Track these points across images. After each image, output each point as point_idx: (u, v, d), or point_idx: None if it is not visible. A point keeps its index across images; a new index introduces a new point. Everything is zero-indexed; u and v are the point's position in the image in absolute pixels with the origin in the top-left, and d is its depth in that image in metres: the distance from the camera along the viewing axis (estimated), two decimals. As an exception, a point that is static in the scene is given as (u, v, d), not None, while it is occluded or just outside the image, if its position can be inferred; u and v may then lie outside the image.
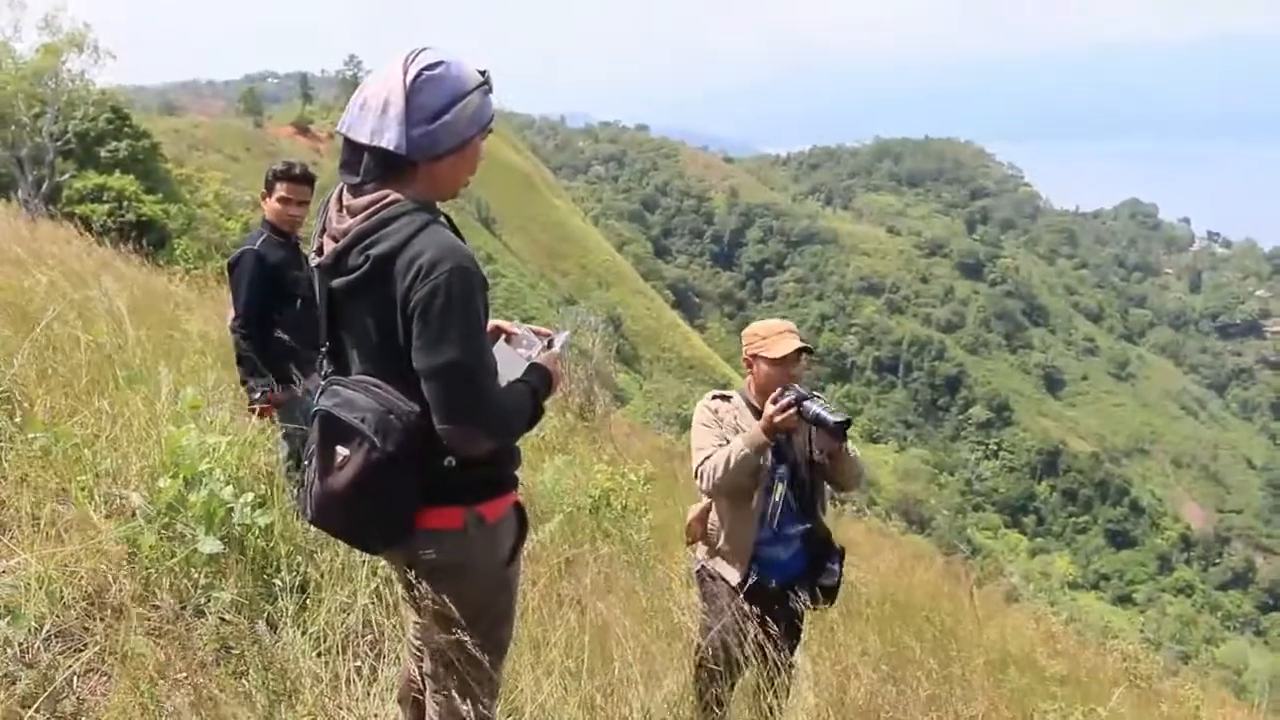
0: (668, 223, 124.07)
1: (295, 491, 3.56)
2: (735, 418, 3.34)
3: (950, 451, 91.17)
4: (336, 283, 1.97)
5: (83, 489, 3.19)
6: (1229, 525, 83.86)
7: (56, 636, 2.62)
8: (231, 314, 4.30)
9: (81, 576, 2.84)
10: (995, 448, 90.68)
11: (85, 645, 2.61)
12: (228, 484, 3.13)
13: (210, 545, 2.94)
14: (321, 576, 3.15)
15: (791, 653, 3.31)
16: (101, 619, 2.71)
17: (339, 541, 2.74)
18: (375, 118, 1.90)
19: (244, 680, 2.63)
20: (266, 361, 4.15)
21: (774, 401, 3.10)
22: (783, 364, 3.22)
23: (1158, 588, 72.86)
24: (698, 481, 3.28)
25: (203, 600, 2.94)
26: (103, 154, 25.33)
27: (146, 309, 6.94)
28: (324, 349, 2.13)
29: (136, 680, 2.46)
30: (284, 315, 4.19)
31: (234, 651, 2.78)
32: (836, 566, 3.34)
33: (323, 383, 2.09)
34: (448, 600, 2.04)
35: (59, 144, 22.32)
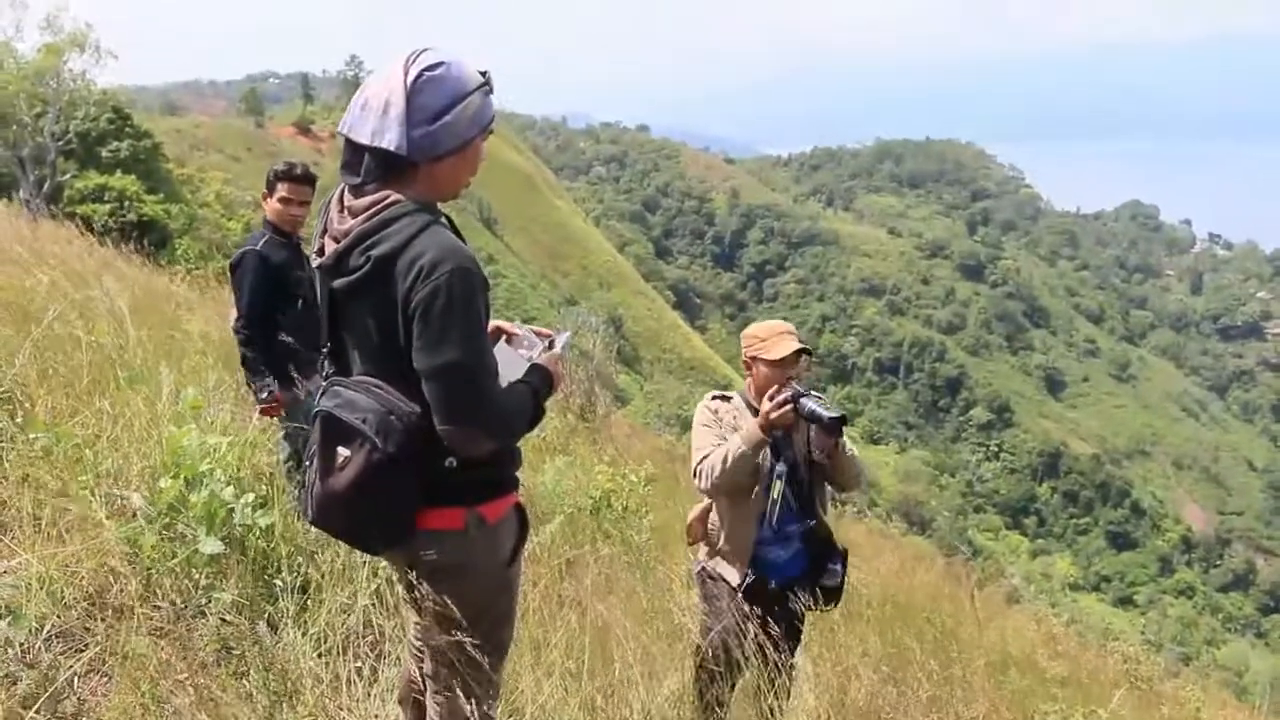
0: (669, 224, 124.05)
1: (296, 492, 3.57)
2: (735, 418, 3.34)
3: (951, 453, 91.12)
4: (338, 283, 1.97)
5: (84, 489, 3.19)
6: (1230, 527, 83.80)
7: (58, 637, 2.62)
8: (234, 314, 4.30)
9: (83, 577, 2.84)
10: (996, 449, 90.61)
11: (86, 645, 2.61)
12: (229, 484, 3.13)
13: (211, 546, 2.94)
14: (322, 577, 3.15)
15: (792, 654, 3.31)
16: (102, 619, 2.71)
17: (340, 542, 2.74)
18: (376, 118, 1.90)
19: (245, 681, 2.63)
20: (270, 362, 4.16)
21: (770, 398, 3.11)
22: (781, 365, 3.22)
23: (1159, 589, 72.80)
24: (696, 480, 3.29)
25: (204, 601, 2.94)
26: (104, 154, 25.33)
27: (148, 309, 6.95)
28: (325, 349, 2.13)
29: (137, 681, 2.46)
30: (286, 316, 4.19)
31: (235, 652, 2.78)
32: (838, 567, 3.34)
33: (324, 383, 2.09)
34: (449, 601, 2.04)
35: (60, 144, 22.33)
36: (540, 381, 2.15)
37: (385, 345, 1.95)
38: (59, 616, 2.66)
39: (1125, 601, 70.75)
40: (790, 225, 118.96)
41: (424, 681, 2.26)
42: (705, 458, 3.25)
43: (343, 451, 1.95)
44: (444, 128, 1.92)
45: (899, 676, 3.73)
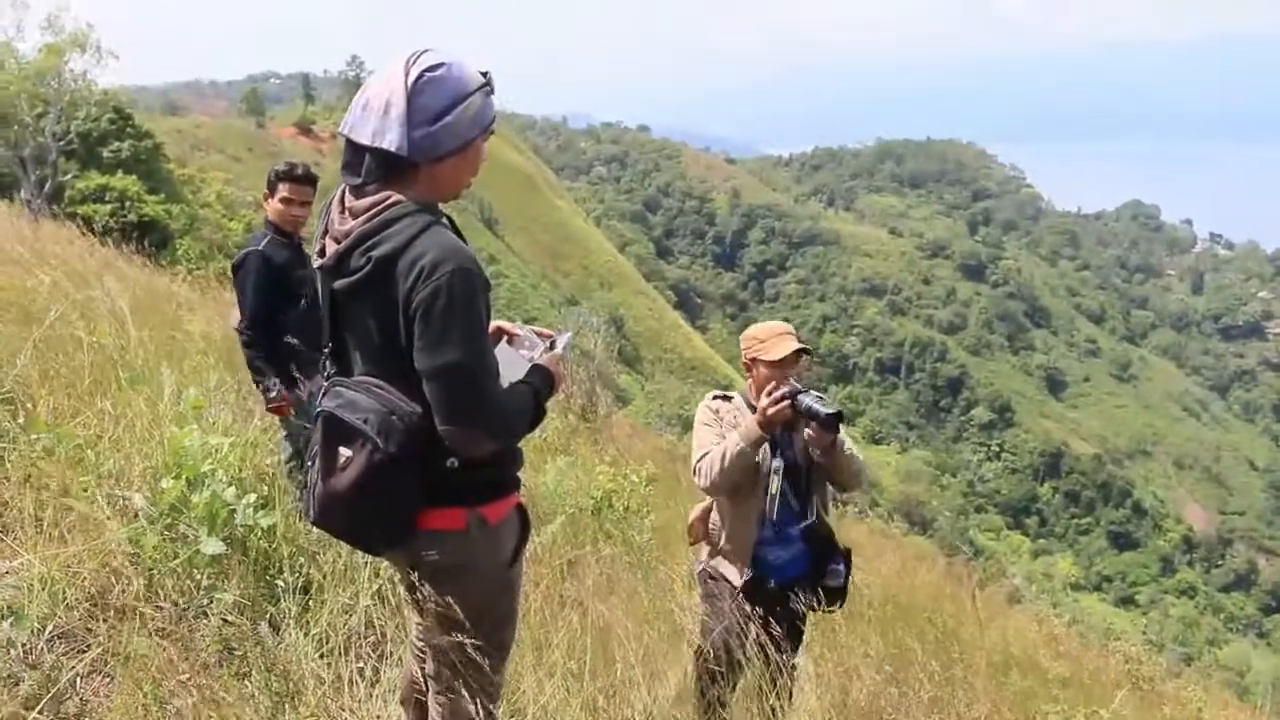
0: (670, 224, 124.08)
1: (298, 493, 3.57)
2: (735, 417, 3.35)
3: (952, 453, 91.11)
4: (339, 284, 1.97)
5: (85, 490, 3.20)
6: (1231, 527, 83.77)
7: (59, 638, 2.62)
8: (236, 315, 4.30)
9: (85, 577, 2.84)
10: (997, 449, 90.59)
11: (88, 646, 2.62)
12: (230, 485, 3.13)
13: (213, 546, 2.94)
14: (324, 578, 3.15)
15: (794, 654, 3.31)
16: (104, 620, 2.71)
17: (341, 543, 2.74)
18: (377, 119, 1.90)
19: (247, 682, 2.63)
20: (275, 361, 4.16)
21: (768, 394, 3.11)
22: (781, 366, 3.22)
23: (1160, 589, 72.77)
24: (696, 478, 3.30)
25: (205, 601, 2.94)
26: (105, 154, 25.36)
27: (149, 309, 6.95)
28: (326, 350, 2.13)
29: (140, 681, 2.46)
30: (290, 316, 4.19)
31: (237, 653, 2.78)
32: (841, 567, 3.34)
33: (325, 384, 2.09)
34: (451, 602, 2.04)
35: (61, 144, 22.34)
36: (541, 382, 2.15)
37: (386, 346, 1.95)
38: (61, 617, 2.66)
39: (1127, 601, 70.73)
40: (791, 225, 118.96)
41: (426, 682, 2.26)
42: (704, 455, 3.26)
43: (344, 452, 1.95)
44: (445, 128, 1.92)
45: (900, 677, 3.72)
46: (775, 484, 3.18)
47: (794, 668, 3.30)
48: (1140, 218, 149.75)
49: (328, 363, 2.13)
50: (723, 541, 3.36)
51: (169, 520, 3.04)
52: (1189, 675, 14.05)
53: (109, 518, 3.06)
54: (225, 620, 2.85)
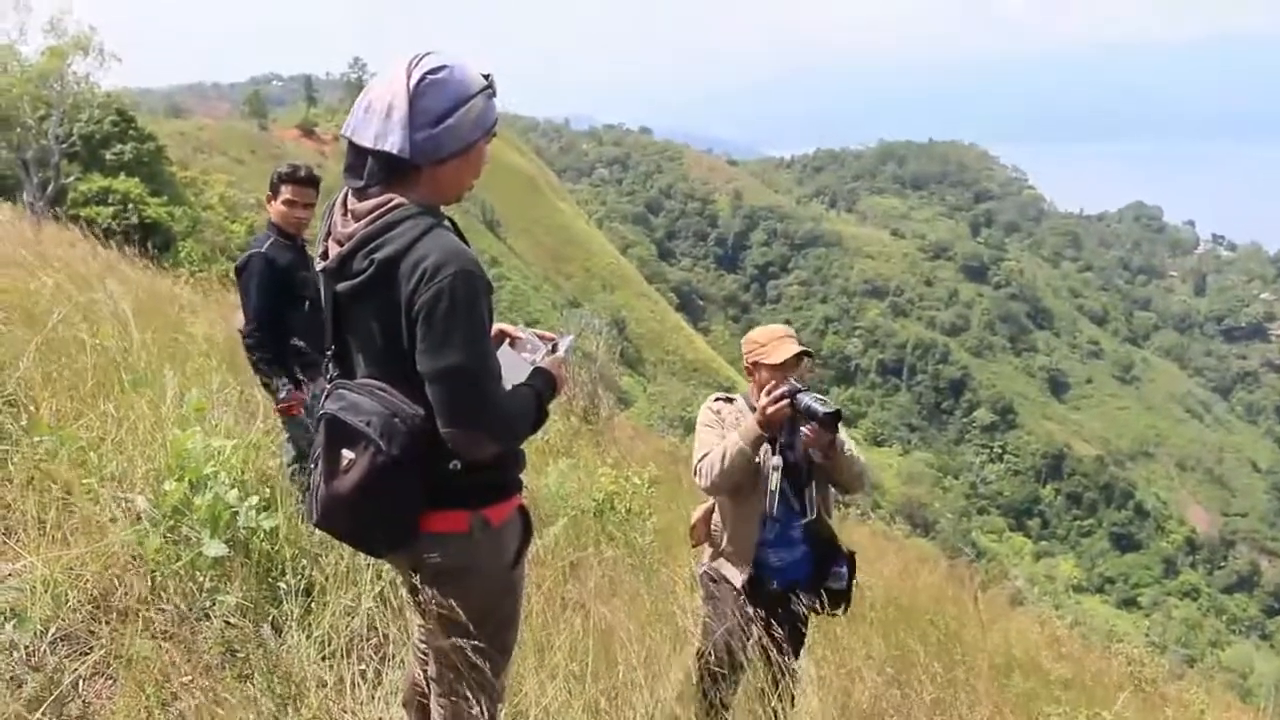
0: (672, 225, 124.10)
1: (300, 495, 3.57)
2: (737, 419, 3.35)
3: (954, 455, 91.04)
4: (341, 286, 1.97)
5: (88, 492, 3.20)
6: (1234, 528, 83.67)
7: (62, 640, 2.62)
8: (240, 317, 4.30)
9: (87, 580, 2.84)
10: (1000, 451, 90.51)
11: (91, 649, 2.62)
12: (233, 487, 3.13)
13: (215, 548, 2.94)
14: (326, 580, 3.15)
15: (796, 656, 3.31)
16: (107, 622, 2.71)
17: (344, 545, 2.74)
18: (379, 122, 1.91)
19: (249, 684, 2.63)
20: (281, 362, 4.16)
21: (767, 393, 3.11)
22: (782, 369, 3.22)
23: (1163, 591, 72.68)
24: (697, 478, 3.30)
25: (208, 604, 2.94)
26: (108, 156, 25.39)
27: (151, 312, 6.94)
28: (329, 352, 2.13)
29: (142, 683, 2.46)
30: (294, 318, 4.19)
31: (239, 655, 2.79)
32: (843, 570, 3.34)
33: (328, 386, 2.09)
34: (453, 604, 2.05)
35: (64, 146, 22.34)
36: (543, 385, 2.15)
37: (389, 348, 1.95)
38: (64, 619, 2.66)
39: (1129, 603, 70.63)
40: (793, 227, 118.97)
41: (428, 684, 2.26)
42: (705, 456, 3.27)
43: (347, 454, 1.95)
44: (447, 131, 1.92)
45: (903, 679, 3.72)
46: (775, 480, 3.18)
47: (796, 670, 3.30)
48: (1142, 219, 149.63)
49: (330, 365, 2.14)
50: (725, 543, 3.36)
51: (171, 522, 3.05)
52: (1191, 677, 14.02)
53: (112, 520, 3.07)
54: (228, 622, 2.86)
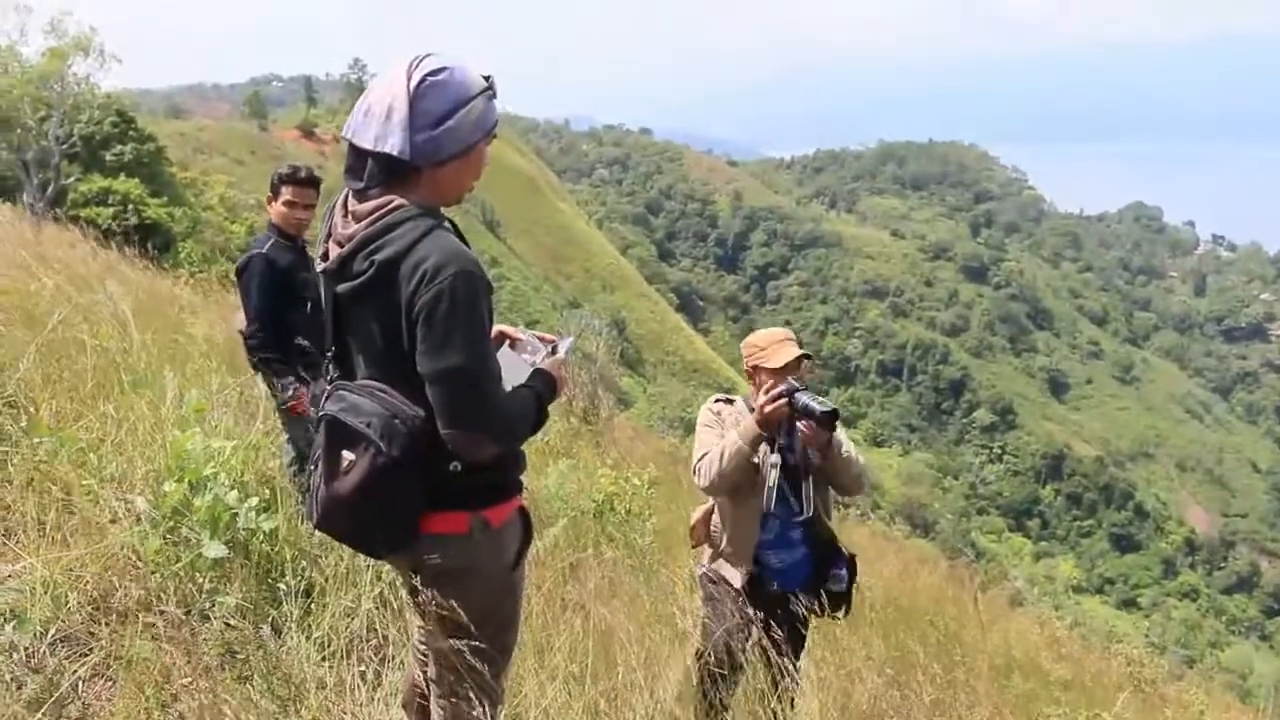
0: (672, 226, 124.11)
1: (300, 496, 3.57)
2: (737, 420, 3.36)
3: (954, 455, 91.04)
4: (342, 288, 1.98)
5: (88, 493, 3.20)
6: (1234, 529, 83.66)
7: (62, 641, 2.62)
8: (240, 318, 4.30)
9: (87, 581, 2.84)
10: (999, 451, 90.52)
11: (91, 650, 2.62)
12: (232, 488, 3.13)
13: (215, 550, 2.94)
14: (326, 581, 3.16)
15: (796, 658, 3.31)
16: (107, 624, 2.71)
17: (344, 546, 2.74)
18: (379, 123, 1.91)
19: (249, 685, 2.63)
20: (286, 361, 4.15)
21: (765, 392, 3.12)
22: (783, 373, 3.23)
23: (1162, 592, 72.68)
24: (696, 478, 3.31)
25: (207, 605, 2.94)
26: (108, 157, 25.36)
27: (151, 313, 6.95)
28: (329, 353, 2.13)
29: (142, 685, 2.46)
30: (297, 318, 4.19)
31: (239, 656, 2.79)
32: (843, 572, 3.34)
33: (328, 387, 2.09)
34: (453, 605, 2.05)
35: (64, 147, 22.33)
36: (544, 386, 2.15)
37: (389, 349, 1.95)
38: (63, 621, 2.66)
39: (1129, 604, 70.62)
40: (793, 227, 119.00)
41: (428, 686, 2.26)
42: (704, 455, 3.27)
43: (347, 455, 1.95)
44: (447, 132, 1.93)
45: (902, 680, 3.72)
46: (773, 477, 3.19)
47: (796, 671, 3.30)
48: (1142, 219, 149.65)
49: (330, 366, 2.14)
50: (724, 544, 3.37)
51: (171, 524, 3.05)
52: (1191, 678, 14.02)
53: (112, 521, 3.07)
54: (227, 624, 2.86)
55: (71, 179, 22.47)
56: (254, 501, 3.13)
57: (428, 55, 1.96)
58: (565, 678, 2.94)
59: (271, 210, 4.34)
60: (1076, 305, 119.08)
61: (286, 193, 4.27)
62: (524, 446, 2.19)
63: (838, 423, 3.15)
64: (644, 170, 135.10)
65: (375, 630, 3.13)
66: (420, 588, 2.08)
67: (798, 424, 3.19)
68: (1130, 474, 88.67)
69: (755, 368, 3.32)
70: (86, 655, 2.59)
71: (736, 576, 3.31)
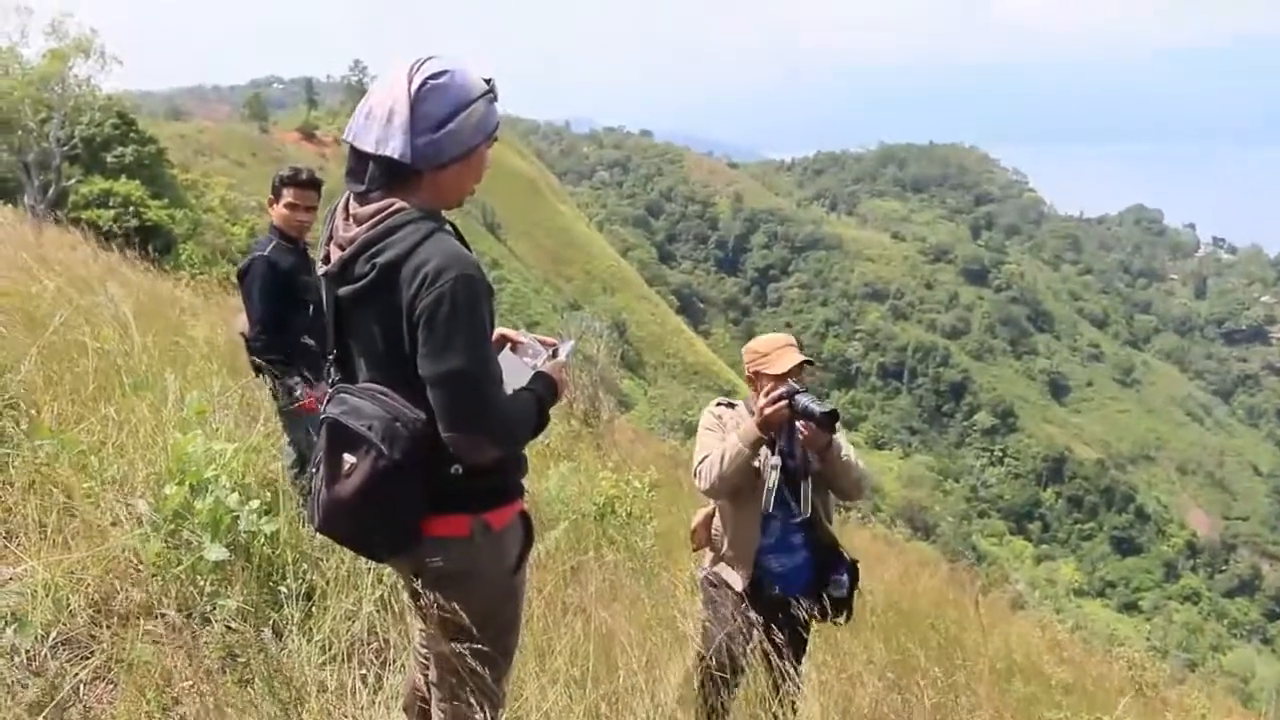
0: (672, 228, 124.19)
1: (301, 499, 3.57)
2: (737, 424, 3.36)
3: (955, 458, 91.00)
4: (343, 291, 1.98)
5: (89, 496, 3.20)
6: (1235, 532, 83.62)
7: (63, 644, 2.62)
8: (242, 321, 4.29)
9: (88, 584, 2.84)
10: (1000, 454, 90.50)
11: (92, 653, 2.62)
12: (233, 491, 3.13)
13: (216, 552, 2.94)
14: (327, 584, 3.15)
15: (798, 662, 3.31)
16: (108, 627, 2.71)
17: (345, 549, 2.74)
18: (380, 126, 1.91)
19: (250, 688, 2.63)
20: (291, 362, 4.15)
21: (765, 394, 3.12)
22: (785, 379, 3.23)
23: (1164, 595, 72.64)
24: (697, 481, 3.31)
25: (209, 608, 2.94)
26: (109, 159, 25.35)
27: (152, 314, 6.95)
28: (331, 356, 2.13)
29: (143, 688, 2.46)
30: (301, 320, 4.18)
31: (240, 659, 2.78)
32: (844, 578, 3.34)
33: (330, 390, 2.09)
34: (455, 608, 2.05)
35: (65, 149, 22.34)
36: (545, 389, 2.15)
37: (390, 352, 1.95)
38: (65, 624, 2.66)
39: (1130, 607, 70.57)
40: (794, 230, 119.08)
41: (429, 689, 2.26)
42: (705, 458, 3.28)
43: (349, 458, 1.95)
44: (448, 135, 1.93)
45: (903, 684, 3.71)
46: (773, 478, 3.19)
47: (797, 675, 3.30)
48: (1143, 222, 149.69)
49: (332, 369, 2.14)
50: (725, 547, 3.37)
51: (172, 527, 3.05)
52: (1193, 681, 14.01)
53: (113, 524, 3.07)
54: (228, 627, 2.86)
55: (72, 181, 22.48)
56: (255, 504, 3.13)
57: (429, 58, 1.96)
58: (566, 681, 2.93)
59: (273, 213, 4.34)
60: (1077, 308, 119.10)
61: (288, 195, 4.27)
62: (525, 449, 2.18)
63: (837, 425, 3.15)
64: (644, 172, 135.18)
65: (376, 633, 3.13)
66: (421, 591, 2.08)
67: (797, 426, 3.20)
68: (1131, 477, 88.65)
69: (757, 373, 3.32)
70: (88, 658, 2.59)
71: (738, 580, 3.31)
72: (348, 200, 2.03)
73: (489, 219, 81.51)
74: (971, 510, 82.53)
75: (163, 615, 2.76)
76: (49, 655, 2.53)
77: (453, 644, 2.07)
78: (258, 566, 3.14)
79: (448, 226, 1.98)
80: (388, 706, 2.74)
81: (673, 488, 8.48)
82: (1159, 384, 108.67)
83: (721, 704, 3.28)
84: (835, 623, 3.40)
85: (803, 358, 3.25)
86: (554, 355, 2.25)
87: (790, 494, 3.27)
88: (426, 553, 2.03)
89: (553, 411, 2.18)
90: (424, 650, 2.28)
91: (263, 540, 3.16)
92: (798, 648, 3.33)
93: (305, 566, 3.24)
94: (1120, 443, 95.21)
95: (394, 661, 3.06)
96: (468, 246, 1.97)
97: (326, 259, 2.02)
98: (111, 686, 2.58)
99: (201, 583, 3.01)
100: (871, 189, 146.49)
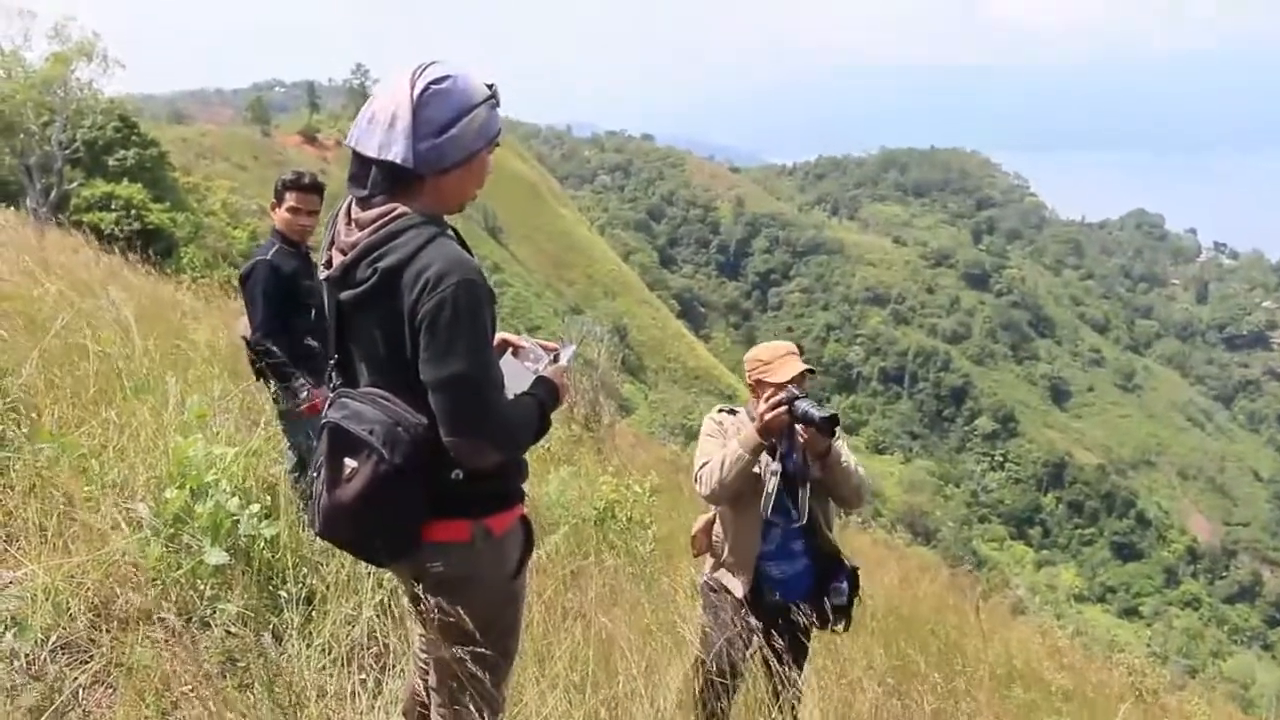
0: (673, 232, 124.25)
1: (302, 503, 3.57)
2: (739, 430, 3.36)
3: (956, 463, 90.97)
4: (345, 295, 1.98)
5: (90, 500, 3.20)
6: (1236, 538, 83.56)
7: (63, 648, 2.62)
8: (244, 324, 4.29)
9: (88, 588, 2.84)
10: (1001, 459, 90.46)
11: (91, 657, 2.61)
12: (234, 495, 3.13)
13: (216, 557, 2.94)
14: (327, 588, 3.15)
15: (799, 668, 3.30)
16: (108, 631, 2.71)
17: (345, 553, 2.74)
18: (383, 131, 1.91)
19: (249, 693, 2.63)
20: (295, 364, 4.14)
21: (766, 400, 3.12)
22: (786, 387, 3.23)
23: (1164, 601, 72.59)
24: (697, 486, 3.32)
25: (208, 612, 2.94)
26: (111, 162, 25.38)
27: (153, 318, 6.95)
28: (332, 361, 2.14)
29: (142, 692, 2.46)
30: (304, 323, 4.18)
31: (240, 664, 2.78)
32: (844, 585, 3.34)
33: (331, 395, 2.10)
34: (458, 612, 2.05)
35: (67, 152, 22.35)
36: (546, 394, 2.15)
37: (392, 357, 1.95)
38: (64, 628, 2.66)
39: (1130, 613, 70.53)
40: (795, 234, 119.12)
41: (429, 694, 2.26)
42: (706, 464, 3.28)
43: (350, 463, 1.95)
44: (450, 141, 1.93)
45: (903, 689, 3.71)
46: (772, 483, 3.19)
47: (798, 681, 3.30)
48: (1144, 227, 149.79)
49: (333, 373, 2.14)
50: (726, 554, 3.37)
51: (173, 530, 3.04)
52: (1193, 688, 14.00)
53: (113, 528, 3.06)
54: (228, 631, 2.85)
55: (74, 184, 22.49)
56: (255, 508, 3.13)
57: (431, 63, 1.97)
58: (566, 686, 2.93)
59: (275, 216, 4.34)
60: (1078, 313, 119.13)
61: (290, 199, 4.27)
62: (526, 454, 2.18)
63: (837, 431, 3.15)
64: (646, 176, 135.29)
65: (376, 638, 3.13)
66: (422, 596, 2.08)
67: (797, 431, 3.20)
68: (1132, 482, 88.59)
69: (759, 381, 3.32)
70: (87, 663, 2.58)
71: (738, 586, 3.31)
72: (350, 205, 2.03)
73: (490, 223, 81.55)
74: (972, 515, 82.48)
75: (162, 619, 2.75)
76: (48, 659, 2.52)
77: (453, 649, 2.07)
78: (258, 571, 3.14)
79: (449, 231, 1.98)
80: (387, 711, 2.74)
81: (673, 493, 8.48)
82: (1160, 389, 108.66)
83: (721, 709, 3.28)
84: (835, 630, 3.40)
85: (805, 367, 3.26)
86: (555, 360, 2.25)
87: (789, 499, 3.27)
88: (427, 558, 2.03)
89: (554, 416, 2.19)
90: (424, 655, 2.28)
91: (263, 544, 3.16)
92: (799, 654, 3.33)
93: (305, 571, 3.24)
94: (1121, 448, 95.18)
95: (394, 666, 3.06)
96: (469, 251, 1.97)
97: (328, 263, 2.02)
98: (111, 691, 2.58)
99: (201, 587, 3.00)
100: (873, 193, 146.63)
